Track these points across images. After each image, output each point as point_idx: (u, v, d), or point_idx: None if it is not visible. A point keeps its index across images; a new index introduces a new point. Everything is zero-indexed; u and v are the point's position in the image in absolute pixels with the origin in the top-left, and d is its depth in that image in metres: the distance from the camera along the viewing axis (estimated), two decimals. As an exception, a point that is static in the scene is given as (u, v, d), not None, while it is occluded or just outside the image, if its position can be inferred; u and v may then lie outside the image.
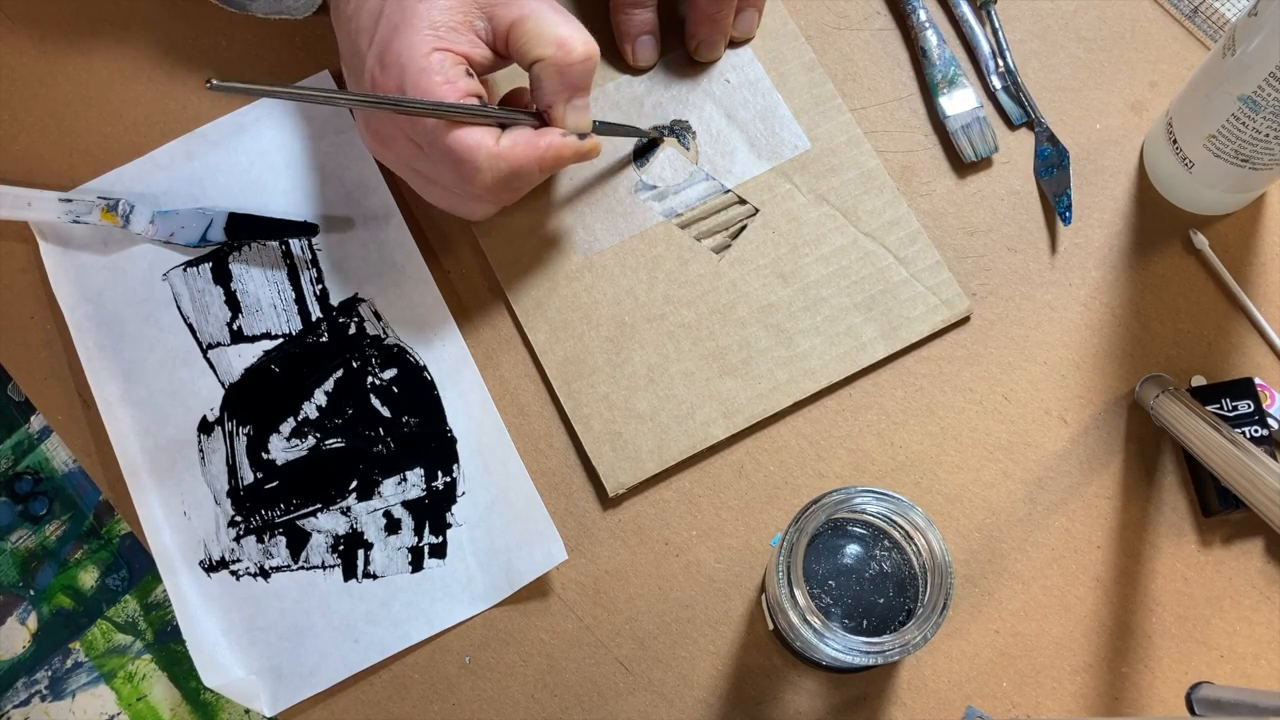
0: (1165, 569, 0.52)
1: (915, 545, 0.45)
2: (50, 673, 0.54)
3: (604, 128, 0.53)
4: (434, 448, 0.54)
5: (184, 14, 0.59)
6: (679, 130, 0.58)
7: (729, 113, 0.58)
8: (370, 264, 0.56)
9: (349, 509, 0.53)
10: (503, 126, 0.49)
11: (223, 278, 0.56)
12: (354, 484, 0.54)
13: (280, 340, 0.55)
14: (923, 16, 0.59)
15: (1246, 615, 0.52)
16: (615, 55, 0.58)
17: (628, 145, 0.57)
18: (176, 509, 0.53)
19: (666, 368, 0.54)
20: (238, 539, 0.53)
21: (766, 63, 0.58)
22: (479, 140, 0.47)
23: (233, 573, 0.53)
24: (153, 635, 0.55)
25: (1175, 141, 0.54)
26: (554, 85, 0.49)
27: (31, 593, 0.55)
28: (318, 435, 0.54)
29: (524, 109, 0.51)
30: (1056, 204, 0.56)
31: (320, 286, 0.56)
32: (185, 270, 0.56)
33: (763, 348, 0.55)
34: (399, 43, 0.47)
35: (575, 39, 0.48)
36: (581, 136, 0.50)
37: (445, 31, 0.48)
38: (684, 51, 0.58)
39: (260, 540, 0.53)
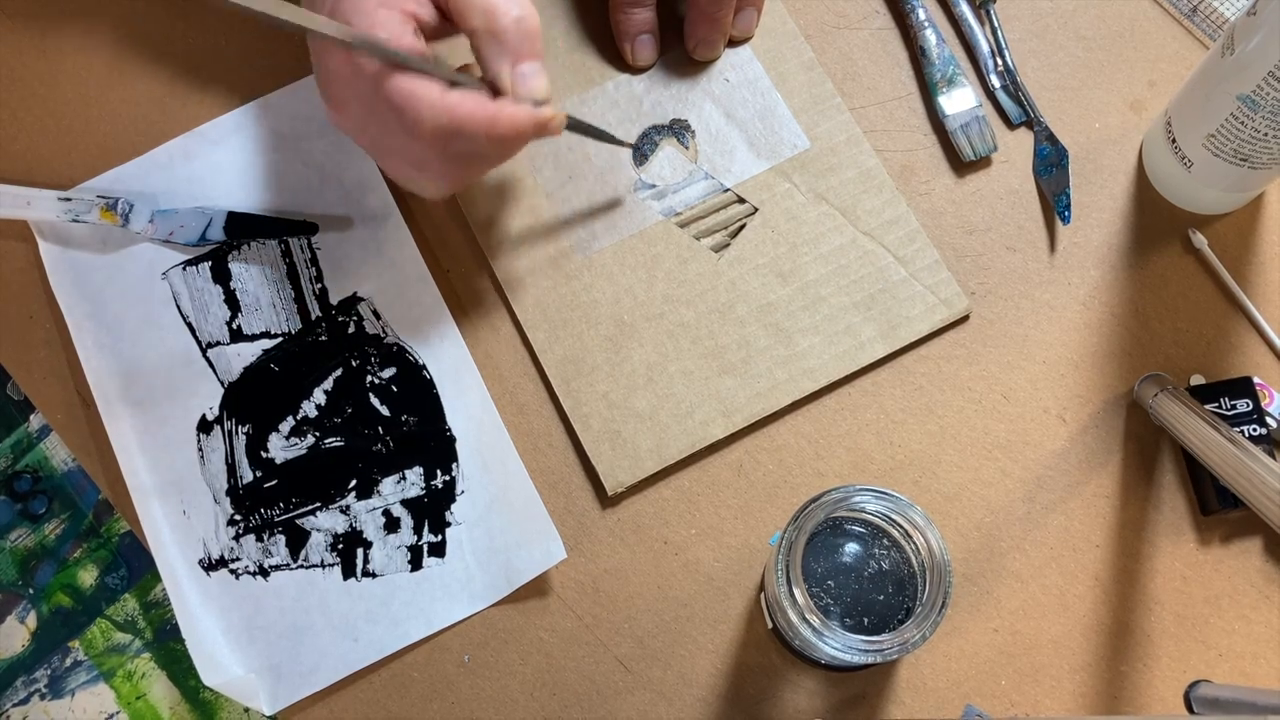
0: (1164, 568, 0.52)
1: (914, 544, 0.45)
2: (49, 671, 0.54)
3: (576, 125, 0.52)
4: (433, 446, 0.54)
5: (184, 14, 0.60)
6: (678, 129, 0.58)
7: (728, 112, 0.58)
8: (369, 263, 0.56)
9: (348, 508, 0.53)
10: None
11: (222, 277, 0.56)
12: (353, 483, 0.54)
13: (279, 339, 0.55)
14: (922, 16, 0.59)
15: (1245, 614, 0.52)
16: (615, 55, 0.58)
17: (627, 145, 0.57)
18: (176, 508, 0.53)
19: (665, 367, 0.54)
20: (237, 538, 0.53)
21: (766, 62, 0.58)
22: (424, 89, 0.46)
23: (232, 571, 0.53)
24: (152, 634, 0.55)
25: (1174, 141, 0.54)
26: (493, 52, 0.48)
27: (31, 591, 0.55)
28: (317, 434, 0.54)
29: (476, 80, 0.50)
30: (1055, 203, 0.56)
31: (319, 285, 0.56)
32: (184, 269, 0.56)
33: (762, 347, 0.55)
34: (347, 2, 0.47)
35: (502, 4, 0.47)
36: (538, 105, 0.48)
37: None
38: (683, 51, 0.58)
39: (259, 539, 0.53)
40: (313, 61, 0.51)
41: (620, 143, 0.56)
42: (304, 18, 0.46)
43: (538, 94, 0.48)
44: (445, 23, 0.49)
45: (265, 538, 0.53)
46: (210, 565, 0.53)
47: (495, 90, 0.48)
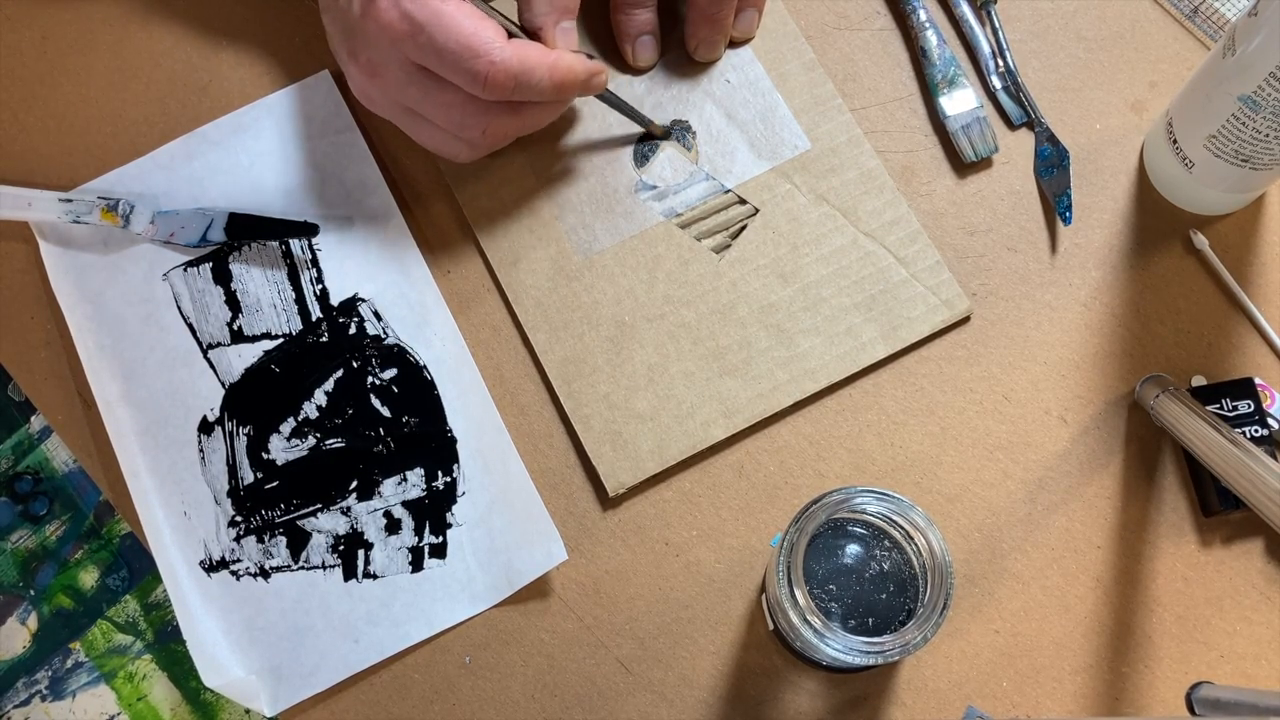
0: (1165, 569, 0.52)
1: (915, 545, 0.45)
2: (50, 673, 0.54)
3: (608, 96, 0.53)
4: (434, 448, 0.54)
5: (183, 14, 0.60)
6: (679, 130, 0.58)
7: (729, 113, 0.58)
8: (370, 264, 0.56)
9: (349, 509, 0.53)
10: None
11: (223, 278, 0.56)
12: (354, 484, 0.54)
13: (280, 340, 0.55)
14: (923, 16, 0.59)
15: (1247, 615, 0.52)
16: (615, 55, 0.58)
17: (628, 145, 0.57)
18: (176, 509, 0.53)
19: (666, 368, 0.54)
20: (238, 539, 0.53)
21: (766, 63, 0.58)
22: (491, 31, 0.47)
23: (233, 573, 0.53)
24: (153, 635, 0.55)
25: (1175, 141, 0.54)
26: (543, 6, 0.49)
27: (32, 593, 0.55)
28: (318, 435, 0.54)
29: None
30: (1056, 204, 0.56)
31: (320, 286, 0.56)
32: (185, 270, 0.56)
33: (763, 348, 0.55)
34: None
35: None
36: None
37: None
38: (684, 51, 0.58)
39: (260, 540, 0.53)
40: (338, 36, 0.51)
41: (648, 123, 0.57)
42: None
43: (574, 48, 0.51)
44: None
45: (266, 539, 0.53)
46: (211, 566, 0.53)
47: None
